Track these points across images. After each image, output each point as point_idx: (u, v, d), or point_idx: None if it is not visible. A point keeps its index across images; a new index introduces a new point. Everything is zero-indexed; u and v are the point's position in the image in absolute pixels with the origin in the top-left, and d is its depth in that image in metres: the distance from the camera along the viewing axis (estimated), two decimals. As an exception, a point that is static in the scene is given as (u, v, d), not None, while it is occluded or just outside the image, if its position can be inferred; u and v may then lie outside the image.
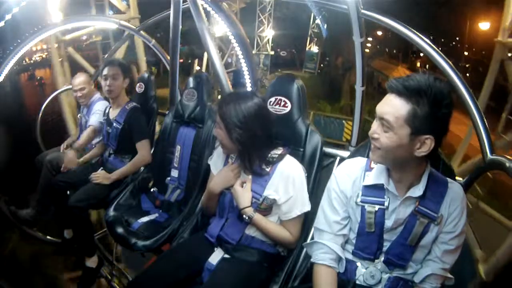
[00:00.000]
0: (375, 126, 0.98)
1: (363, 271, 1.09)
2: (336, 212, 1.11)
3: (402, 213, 1.03)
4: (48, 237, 2.46)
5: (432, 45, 1.41)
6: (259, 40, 12.03)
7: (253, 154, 1.26)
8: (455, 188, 1.03)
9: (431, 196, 1.01)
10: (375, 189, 1.05)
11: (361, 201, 1.06)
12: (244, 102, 1.24)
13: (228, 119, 1.23)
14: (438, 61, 1.39)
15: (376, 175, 1.05)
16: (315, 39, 16.02)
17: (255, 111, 1.24)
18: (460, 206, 1.02)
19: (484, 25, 11.34)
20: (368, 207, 1.05)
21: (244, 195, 1.25)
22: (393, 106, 0.93)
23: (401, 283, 1.07)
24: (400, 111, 0.92)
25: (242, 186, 1.28)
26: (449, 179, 1.05)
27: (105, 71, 2.10)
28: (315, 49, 16.20)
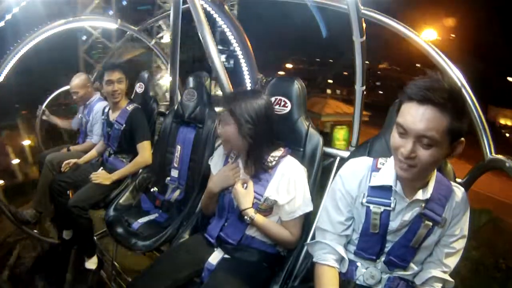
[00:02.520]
0: (409, 145, 0.89)
1: (363, 271, 1.09)
2: (340, 213, 1.10)
3: (408, 215, 1.02)
4: (48, 237, 2.46)
5: (432, 46, 1.41)
6: (157, 90, 9.12)
7: (261, 152, 1.26)
8: (458, 191, 1.03)
9: (437, 199, 1.01)
10: (382, 190, 1.04)
11: (367, 202, 1.05)
12: (254, 99, 1.25)
13: (239, 115, 1.23)
14: (438, 61, 1.39)
15: (384, 176, 1.04)
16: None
17: (264, 108, 1.26)
18: (463, 209, 1.02)
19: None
20: (373, 208, 1.04)
21: (245, 196, 1.25)
22: (434, 120, 0.85)
23: (401, 283, 1.07)
24: (443, 124, 0.85)
25: (243, 187, 1.28)
26: (452, 183, 1.05)
27: (109, 76, 2.07)
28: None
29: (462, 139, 0.91)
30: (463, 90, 1.33)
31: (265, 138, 1.26)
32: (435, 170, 1.02)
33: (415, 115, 0.88)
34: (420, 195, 0.99)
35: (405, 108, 0.91)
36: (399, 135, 0.93)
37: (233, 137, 1.27)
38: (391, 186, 1.02)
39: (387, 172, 1.04)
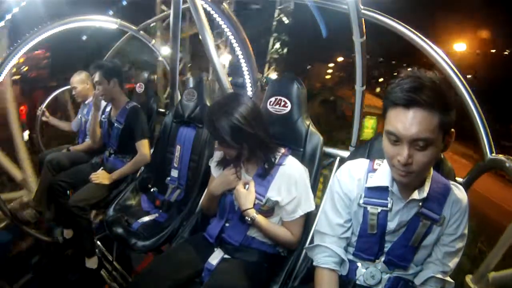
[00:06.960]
0: (405, 152, 0.87)
1: (363, 271, 1.09)
2: (339, 215, 1.10)
3: (405, 215, 1.02)
4: (48, 237, 2.45)
5: (432, 45, 1.41)
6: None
7: (266, 149, 1.26)
8: (457, 190, 1.03)
9: (434, 198, 1.00)
10: (378, 191, 1.04)
11: (364, 203, 1.05)
12: (233, 110, 1.21)
13: (231, 137, 1.20)
14: (438, 61, 1.39)
15: (380, 177, 1.04)
16: (274, 64, 14.80)
17: (248, 111, 1.22)
18: (461, 208, 1.01)
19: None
20: (370, 209, 1.04)
21: (247, 197, 1.25)
22: (425, 122, 0.84)
23: (401, 283, 1.07)
24: (433, 123, 0.84)
25: (245, 188, 1.28)
26: (451, 181, 1.05)
27: (93, 78, 2.12)
28: (273, 75, 14.64)
29: (452, 130, 0.90)
30: (461, 85, 1.33)
31: (262, 136, 1.25)
32: (431, 169, 1.01)
33: (404, 121, 0.85)
34: (416, 194, 0.99)
35: (392, 115, 0.88)
36: (392, 144, 0.90)
37: (233, 152, 1.26)
38: (387, 187, 1.02)
39: (383, 172, 1.04)
